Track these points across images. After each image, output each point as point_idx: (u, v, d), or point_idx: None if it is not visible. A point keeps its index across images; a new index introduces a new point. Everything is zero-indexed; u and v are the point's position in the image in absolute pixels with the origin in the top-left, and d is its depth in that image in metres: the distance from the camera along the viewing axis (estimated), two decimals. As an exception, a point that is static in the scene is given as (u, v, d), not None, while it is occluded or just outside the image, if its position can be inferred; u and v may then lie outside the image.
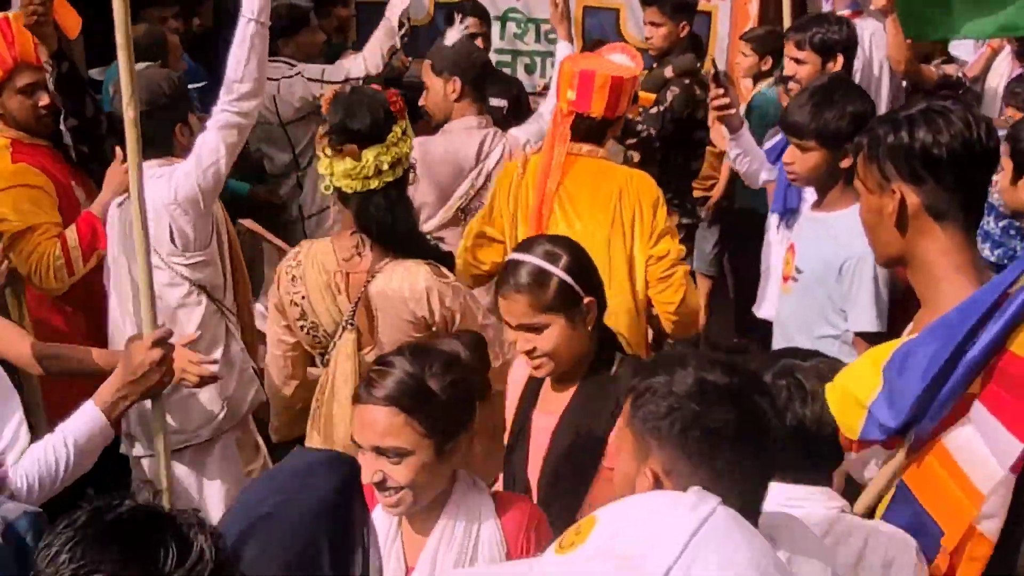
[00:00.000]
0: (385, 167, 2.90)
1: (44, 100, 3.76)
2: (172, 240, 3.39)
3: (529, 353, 2.57)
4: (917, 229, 2.10)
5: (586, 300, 2.56)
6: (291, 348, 3.14)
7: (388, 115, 2.95)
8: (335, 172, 2.90)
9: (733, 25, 5.90)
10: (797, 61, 4.25)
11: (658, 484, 1.63)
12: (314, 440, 3.07)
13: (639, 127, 4.84)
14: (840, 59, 4.21)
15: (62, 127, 3.85)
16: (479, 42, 4.93)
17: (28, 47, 3.70)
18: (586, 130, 3.67)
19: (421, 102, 4.31)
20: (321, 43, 4.97)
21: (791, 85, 4.27)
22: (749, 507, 1.56)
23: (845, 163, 3.15)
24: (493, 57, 5.71)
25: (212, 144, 3.33)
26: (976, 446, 1.94)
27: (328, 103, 2.99)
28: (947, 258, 2.10)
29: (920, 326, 2.09)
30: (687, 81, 5.06)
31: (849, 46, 4.30)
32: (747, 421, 1.67)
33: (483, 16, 5.37)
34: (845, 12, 5.33)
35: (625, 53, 3.92)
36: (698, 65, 5.15)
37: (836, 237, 3.19)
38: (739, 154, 4.24)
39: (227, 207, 3.73)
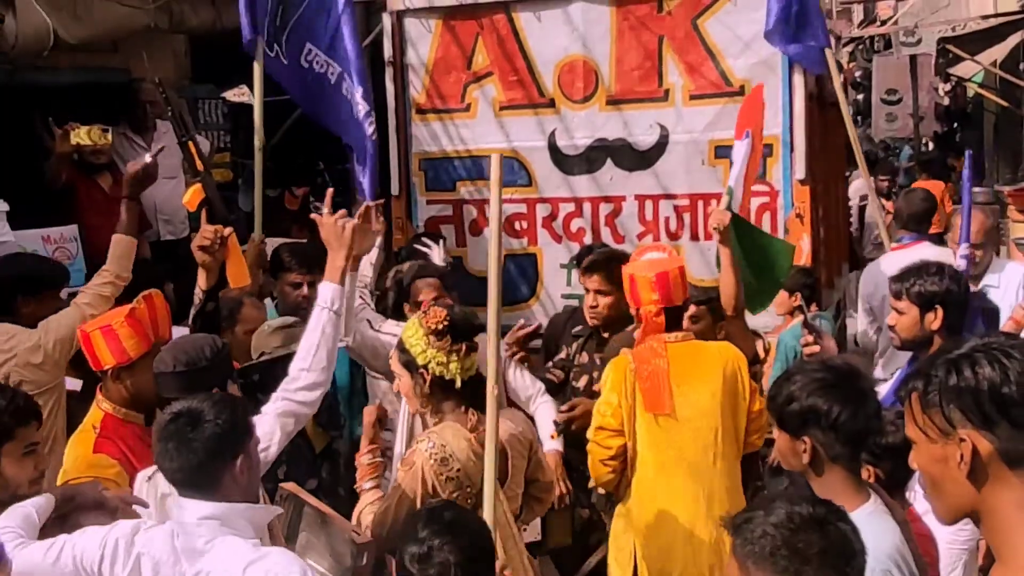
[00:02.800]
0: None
1: None
2: None
3: None
4: (992, 478, 1.88)
5: None
6: None
7: None
8: (466, 367, 3.54)
9: (792, 259, 6.22)
10: (897, 311, 4.09)
11: None
12: None
13: None
14: (940, 311, 3.97)
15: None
16: None
17: (166, 326, 3.90)
18: (671, 320, 4.27)
19: None
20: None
21: (891, 336, 4.21)
22: None
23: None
24: (561, 302, 6.26)
25: (267, 429, 3.40)
26: None
27: (442, 320, 3.48)
28: None
29: None
30: None
31: (950, 299, 3.99)
32: (830, 544, 2.06)
33: None
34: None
35: (657, 250, 4.53)
36: None
37: None
38: None
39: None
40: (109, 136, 6.55)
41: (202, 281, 4.10)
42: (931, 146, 19.04)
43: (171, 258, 6.58)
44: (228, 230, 4.16)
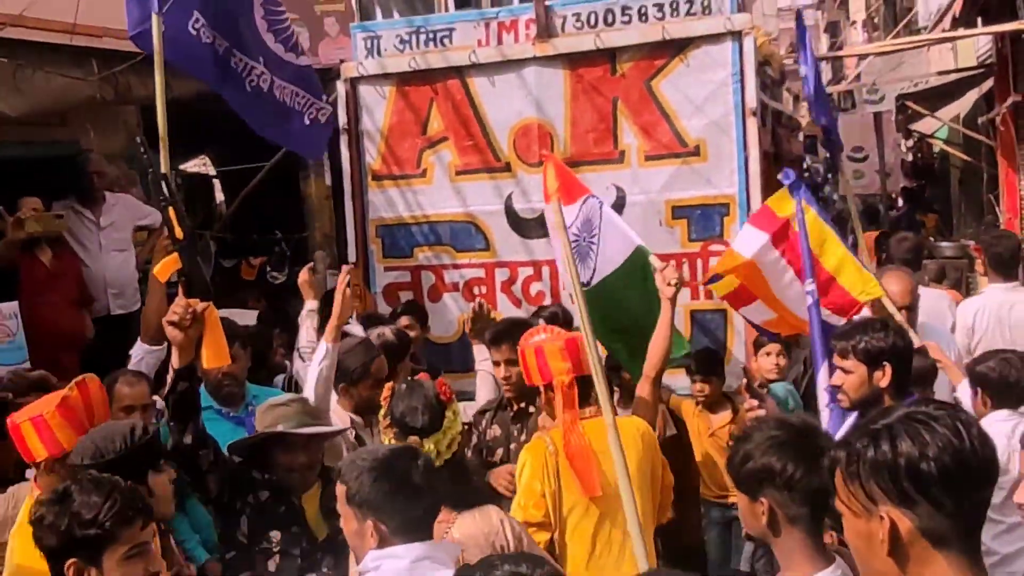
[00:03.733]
0: (444, 449, 3.30)
1: None
2: None
3: None
4: (914, 558, 1.76)
5: None
6: None
7: (441, 405, 3.36)
8: None
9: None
10: (843, 371, 3.89)
11: None
12: None
13: None
14: (888, 368, 3.79)
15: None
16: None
17: (105, 412, 3.63)
18: (583, 391, 4.00)
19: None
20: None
21: (839, 396, 3.97)
22: None
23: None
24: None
25: None
26: None
27: (387, 399, 3.37)
28: None
29: None
30: None
31: (897, 355, 3.82)
32: None
33: None
34: None
35: (544, 331, 4.30)
36: None
37: None
38: None
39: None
40: (64, 222, 6.43)
41: (174, 359, 3.69)
42: (900, 202, 19.16)
43: (122, 332, 6.42)
44: (203, 305, 3.69)
